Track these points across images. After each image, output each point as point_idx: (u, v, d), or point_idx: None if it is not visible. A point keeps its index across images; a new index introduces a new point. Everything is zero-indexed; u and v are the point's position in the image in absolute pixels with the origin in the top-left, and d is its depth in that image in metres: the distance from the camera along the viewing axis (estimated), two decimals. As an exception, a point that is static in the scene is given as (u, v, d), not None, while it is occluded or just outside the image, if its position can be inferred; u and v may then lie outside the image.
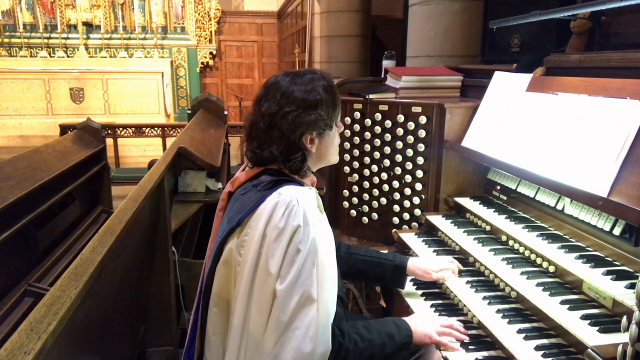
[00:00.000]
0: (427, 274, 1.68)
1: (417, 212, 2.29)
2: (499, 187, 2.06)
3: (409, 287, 1.76)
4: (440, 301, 1.68)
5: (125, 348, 1.77)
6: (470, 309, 1.52)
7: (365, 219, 2.54)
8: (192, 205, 2.69)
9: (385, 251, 1.82)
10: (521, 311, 1.46)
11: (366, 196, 2.52)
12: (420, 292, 1.73)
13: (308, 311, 1.19)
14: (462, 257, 1.83)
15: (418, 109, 2.24)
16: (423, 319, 1.47)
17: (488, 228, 1.89)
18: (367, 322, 1.40)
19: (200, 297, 1.41)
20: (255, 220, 1.24)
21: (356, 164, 2.53)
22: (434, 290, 1.74)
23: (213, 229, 1.45)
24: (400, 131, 2.30)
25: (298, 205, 1.22)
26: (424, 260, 1.74)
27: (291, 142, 1.30)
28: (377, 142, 2.41)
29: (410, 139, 2.26)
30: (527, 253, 1.63)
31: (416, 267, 1.70)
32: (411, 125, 2.25)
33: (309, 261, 1.20)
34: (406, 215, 2.33)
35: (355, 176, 2.54)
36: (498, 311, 1.46)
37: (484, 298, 1.54)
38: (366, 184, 2.51)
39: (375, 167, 2.43)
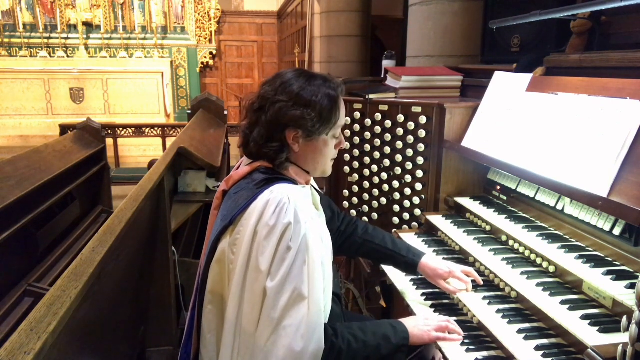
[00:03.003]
0: (435, 277, 1.63)
1: (417, 212, 2.29)
2: (499, 187, 2.06)
3: (409, 287, 1.76)
4: (440, 301, 1.68)
5: (125, 348, 1.77)
6: (470, 309, 1.51)
7: (365, 219, 2.54)
8: (192, 205, 2.70)
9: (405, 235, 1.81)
10: (521, 311, 1.46)
11: (366, 196, 2.52)
12: (420, 292, 1.73)
13: (299, 309, 1.19)
14: (462, 257, 1.83)
15: (418, 109, 2.24)
16: (421, 320, 1.46)
17: (488, 228, 1.89)
18: (362, 324, 1.39)
19: (196, 296, 1.41)
20: (247, 218, 1.25)
21: (356, 164, 2.53)
22: (434, 291, 1.73)
23: (208, 227, 1.47)
24: (400, 131, 2.31)
25: (289, 203, 1.22)
26: (436, 260, 1.67)
27: (273, 131, 1.32)
28: (377, 142, 2.41)
29: (410, 139, 2.26)
30: (527, 253, 1.63)
31: (426, 265, 1.65)
32: (411, 125, 2.25)
33: (299, 259, 1.21)
34: (406, 215, 2.34)
35: (355, 176, 2.54)
36: (498, 311, 1.46)
37: (484, 298, 1.54)
38: (366, 184, 2.51)
39: (375, 167, 2.44)
